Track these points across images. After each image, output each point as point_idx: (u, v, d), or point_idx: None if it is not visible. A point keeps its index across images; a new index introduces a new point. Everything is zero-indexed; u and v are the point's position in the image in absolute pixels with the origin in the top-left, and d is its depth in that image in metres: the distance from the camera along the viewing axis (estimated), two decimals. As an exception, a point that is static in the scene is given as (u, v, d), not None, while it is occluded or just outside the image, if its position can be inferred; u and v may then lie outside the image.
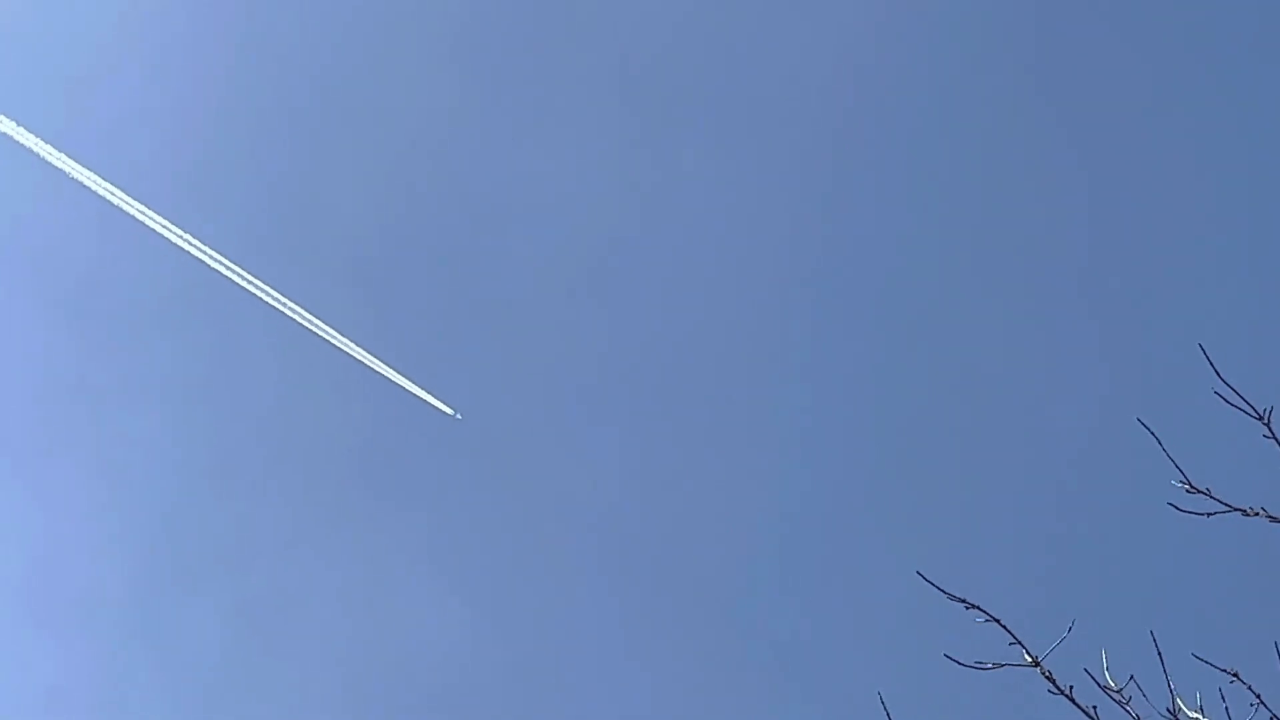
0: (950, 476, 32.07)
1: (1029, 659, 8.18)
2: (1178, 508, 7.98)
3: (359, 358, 37.65)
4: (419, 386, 36.89)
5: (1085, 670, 7.93)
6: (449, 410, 36.41)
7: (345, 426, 38.23)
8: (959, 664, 8.32)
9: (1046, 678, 8.12)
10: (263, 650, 33.67)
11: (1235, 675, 7.96)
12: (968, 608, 8.21)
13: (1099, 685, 8.10)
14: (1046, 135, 33.86)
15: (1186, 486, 8.06)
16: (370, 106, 36.92)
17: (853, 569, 32.39)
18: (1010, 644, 8.21)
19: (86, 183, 36.73)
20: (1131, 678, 8.37)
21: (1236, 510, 8.01)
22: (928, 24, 34.95)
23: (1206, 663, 8.01)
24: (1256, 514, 8.00)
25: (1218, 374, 7.82)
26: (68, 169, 36.32)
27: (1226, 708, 7.71)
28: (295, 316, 37.69)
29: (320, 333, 37.91)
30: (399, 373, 37.70)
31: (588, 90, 35.22)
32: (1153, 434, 8.21)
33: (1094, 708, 8.00)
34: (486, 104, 35.65)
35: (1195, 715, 8.00)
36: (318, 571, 34.72)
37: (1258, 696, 7.86)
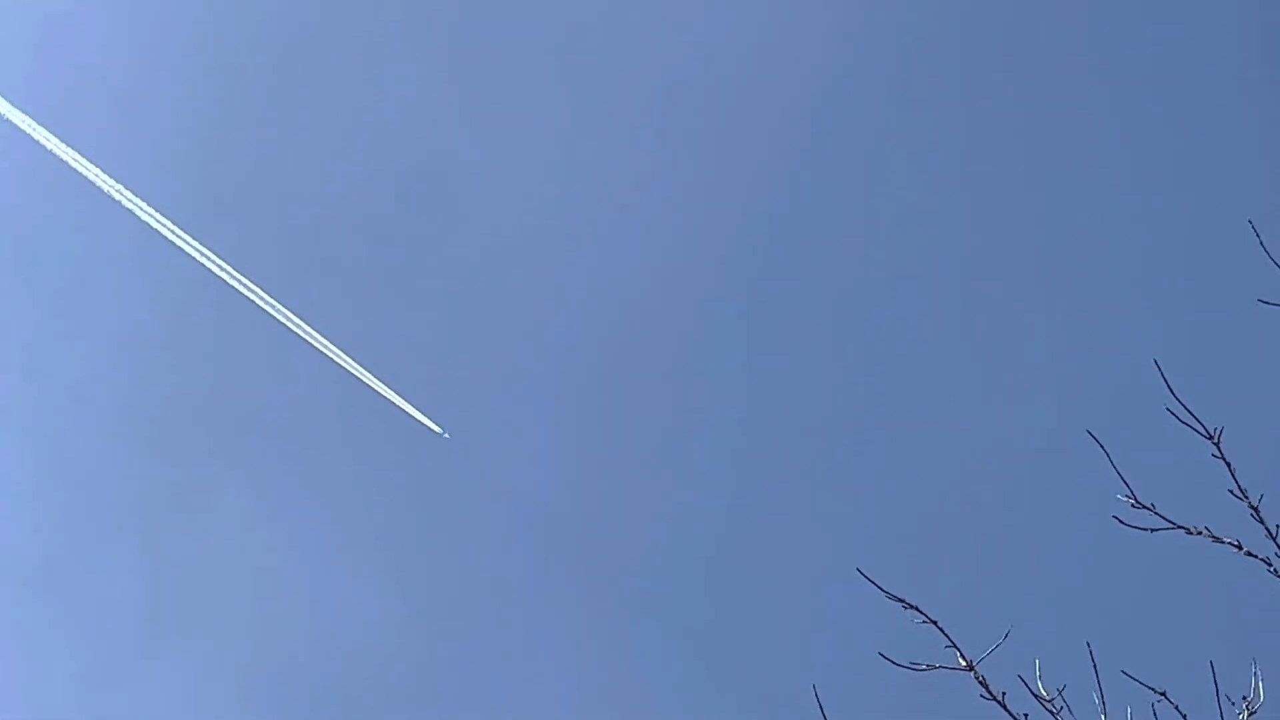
0: (896, 477, 32.15)
1: (963, 663, 8.17)
2: (1121, 521, 7.97)
3: (307, 338, 37.38)
4: (395, 393, 36.55)
5: (1019, 677, 7.92)
6: (436, 428, 36.08)
7: (282, 398, 37.95)
8: (893, 663, 8.30)
9: (980, 682, 8.11)
10: (177, 616, 33.34)
11: (1163, 695, 7.97)
12: (905, 607, 8.19)
13: (1032, 693, 8.10)
14: (1000, 147, 33.91)
15: (1132, 501, 8.05)
16: (361, 108, 36.66)
17: (792, 564, 32.41)
18: (946, 647, 8.20)
19: (41, 141, 36.48)
20: (1064, 688, 8.38)
21: (1180, 528, 8.00)
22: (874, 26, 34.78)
23: (1135, 680, 8.01)
24: (1199, 533, 8.00)
25: (1170, 391, 7.81)
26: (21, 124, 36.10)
27: (1163, 693, 7.70)
28: (227, 277, 37.33)
29: (259, 301, 37.58)
30: (368, 371, 37.46)
31: (590, 106, 35.00)
32: (1101, 447, 8.20)
33: (1025, 716, 7.99)
34: (486, 115, 35.42)
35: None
36: (239, 540, 34.44)
37: (1184, 716, 7.87)
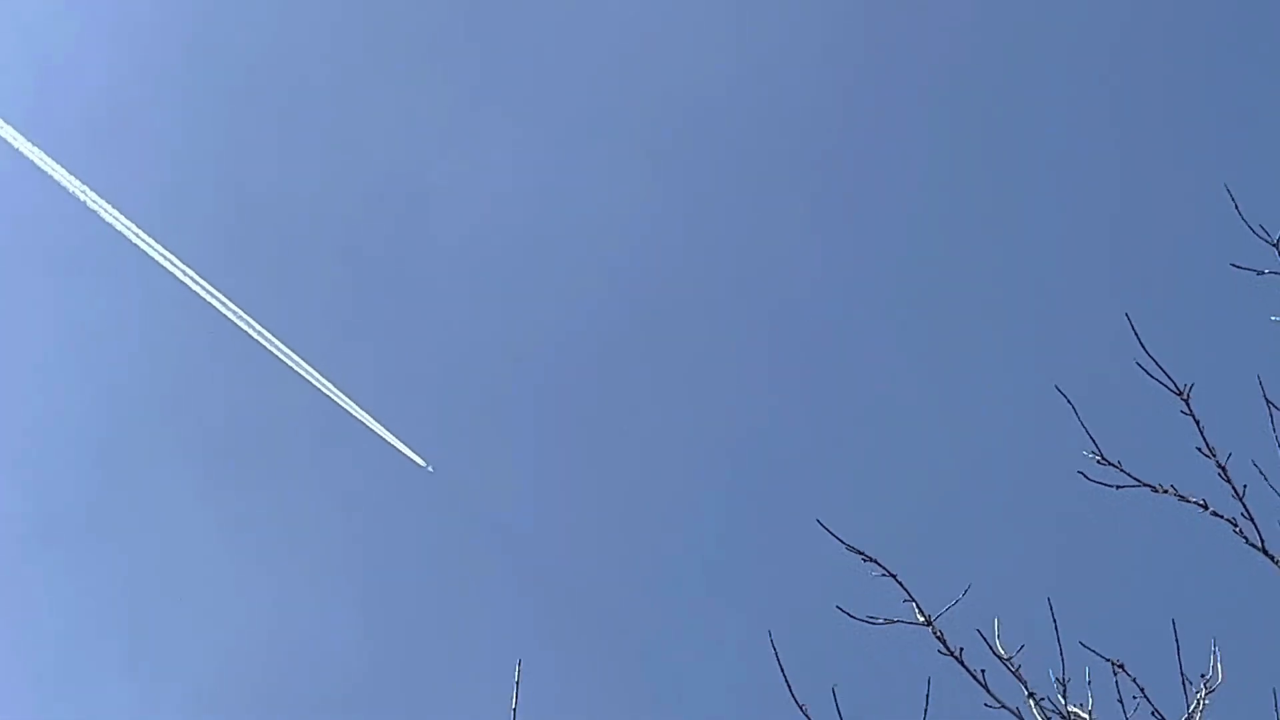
0: (858, 431, 31.94)
1: (921, 618, 8.03)
2: (1087, 477, 7.82)
3: (272, 350, 36.94)
4: (382, 426, 36.15)
5: (978, 632, 7.77)
6: (421, 462, 35.68)
7: (247, 411, 37.48)
8: (850, 616, 8.15)
9: (938, 638, 7.96)
10: (130, 627, 32.90)
11: (1120, 667, 7.84)
12: (864, 560, 8.04)
13: (990, 649, 7.96)
14: (969, 95, 33.67)
15: (1098, 458, 7.90)
16: (353, 131, 36.19)
17: (752, 514, 32.28)
18: (904, 601, 8.06)
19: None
20: (1022, 648, 8.24)
21: (1146, 486, 7.86)
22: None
23: (1092, 650, 7.88)
24: (1165, 491, 7.85)
25: (1141, 344, 7.65)
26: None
27: (1117, 681, 7.57)
28: (191, 283, 36.84)
29: (219, 307, 37.12)
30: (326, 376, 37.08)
31: (581, 131, 34.59)
32: (1069, 401, 8.04)
33: (983, 671, 7.85)
34: (481, 141, 34.99)
35: (1077, 708, 7.87)
36: (197, 553, 34.01)
37: (1141, 690, 7.72)
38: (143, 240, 36.79)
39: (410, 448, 35.32)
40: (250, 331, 36.86)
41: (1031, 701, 7.96)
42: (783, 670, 6.79)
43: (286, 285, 37.78)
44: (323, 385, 36.70)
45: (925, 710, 7.22)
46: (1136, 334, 7.68)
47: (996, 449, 29.95)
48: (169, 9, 37.69)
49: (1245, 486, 7.66)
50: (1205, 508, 7.73)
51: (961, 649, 7.90)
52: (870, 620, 8.22)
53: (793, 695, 6.84)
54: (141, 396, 36.83)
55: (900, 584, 8.02)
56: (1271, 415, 7.99)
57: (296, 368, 37.01)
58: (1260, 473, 7.84)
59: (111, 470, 36.41)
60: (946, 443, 30.72)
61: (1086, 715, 7.82)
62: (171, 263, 36.83)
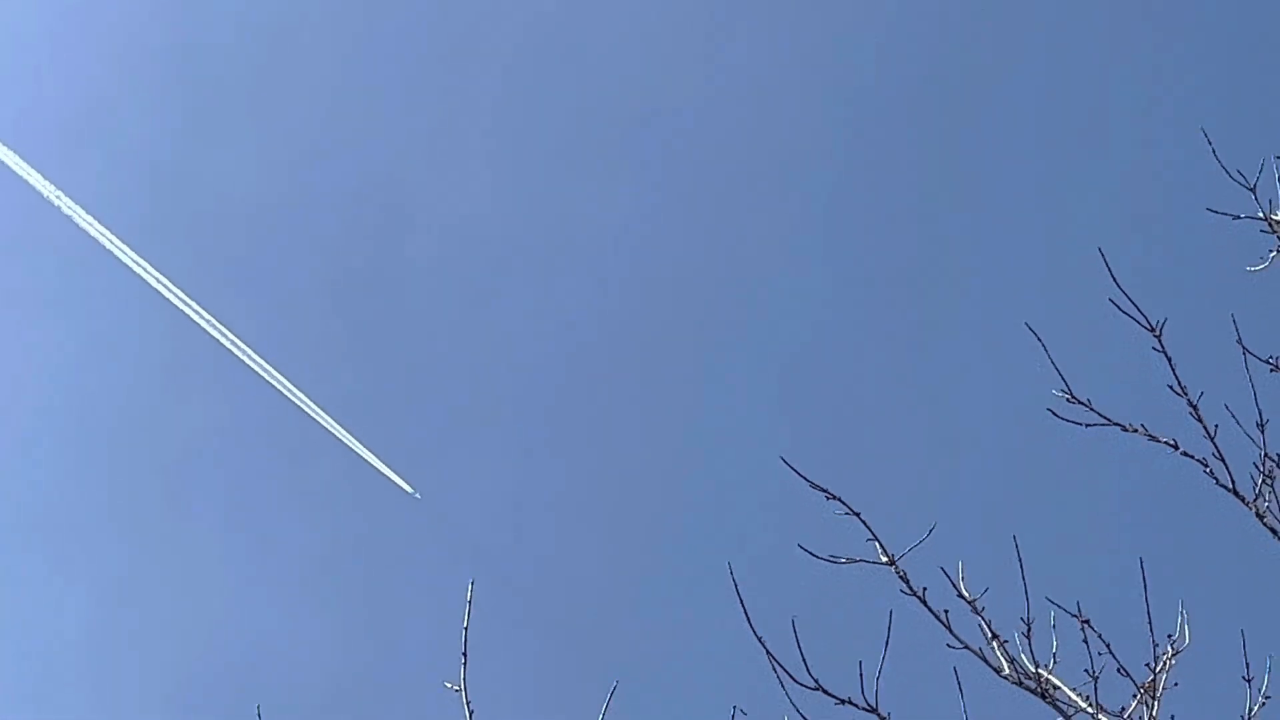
0: (825, 367, 31.63)
1: (885, 558, 7.88)
2: (1055, 414, 7.66)
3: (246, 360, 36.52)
4: (369, 451, 35.74)
5: (942, 569, 7.62)
6: (408, 488, 35.22)
7: (218, 424, 37.05)
8: (812, 555, 8.00)
9: (901, 578, 7.81)
10: (104, 637, 32.52)
11: (1086, 623, 7.70)
12: (828, 498, 7.88)
13: (955, 589, 7.80)
14: (955, 38, 33.33)
15: (1067, 396, 7.74)
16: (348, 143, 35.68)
17: (717, 450, 32.08)
18: (867, 540, 7.91)
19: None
20: (986, 590, 8.10)
21: (1115, 425, 7.70)
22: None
23: (1057, 605, 7.74)
24: (1135, 431, 7.70)
25: (1114, 279, 7.48)
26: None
27: (1084, 624, 7.42)
28: (165, 290, 36.36)
29: (201, 322, 36.68)
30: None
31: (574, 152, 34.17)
32: (1038, 339, 7.88)
33: (946, 612, 7.70)
34: (474, 155, 34.56)
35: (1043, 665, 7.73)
36: (170, 565, 33.63)
37: (1107, 646, 7.58)
38: (118, 247, 36.41)
39: (392, 468, 35.01)
40: (226, 343, 36.52)
41: (995, 644, 7.82)
42: (742, 603, 6.63)
43: (264, 296, 37.41)
44: (296, 396, 36.35)
45: (885, 649, 7.07)
46: (1109, 268, 7.51)
47: (964, 386, 29.67)
48: (146, 12, 37.28)
49: (1217, 427, 7.51)
50: (1176, 448, 7.59)
51: (925, 589, 7.75)
52: (832, 559, 8.07)
53: (751, 627, 6.68)
54: (115, 406, 36.44)
55: (863, 522, 7.86)
56: (1245, 360, 7.86)
57: (272, 380, 36.71)
58: (1232, 415, 7.70)
59: (86, 479, 36.09)
60: (913, 380, 30.42)
61: (1051, 661, 7.68)
62: (145, 269, 36.44)
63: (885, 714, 6.95)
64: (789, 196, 33.09)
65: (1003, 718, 7.92)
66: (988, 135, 31.78)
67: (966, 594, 7.84)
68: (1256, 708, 7.11)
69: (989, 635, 7.85)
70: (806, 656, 7.03)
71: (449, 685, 5.39)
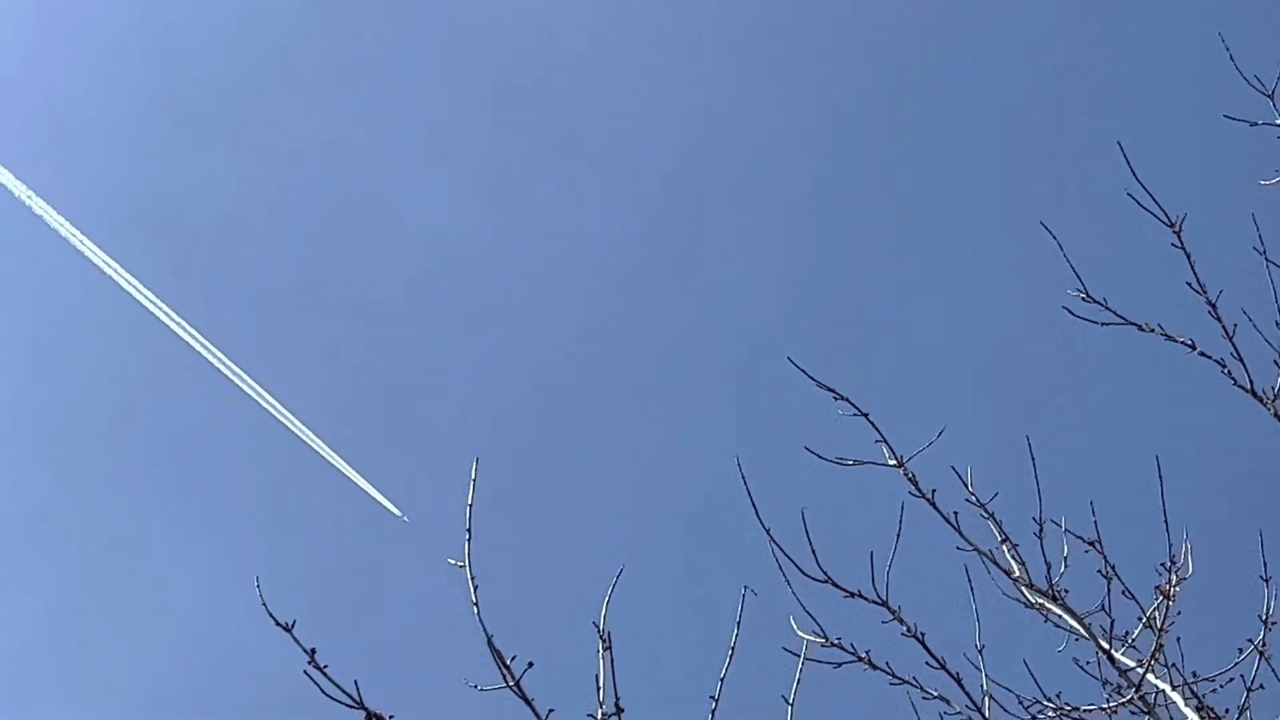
0: (834, 263, 31.06)
1: (893, 460, 7.73)
2: (1071, 313, 7.50)
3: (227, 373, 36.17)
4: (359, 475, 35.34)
5: (953, 469, 7.48)
6: (396, 512, 34.80)
7: (198, 429, 36.67)
8: (819, 457, 7.85)
9: (909, 480, 7.66)
10: (75, 641, 32.19)
11: (1092, 544, 7.56)
12: (836, 399, 7.72)
13: (966, 490, 7.66)
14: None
15: (1083, 295, 7.57)
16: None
17: (719, 351, 31.73)
18: (876, 441, 7.76)
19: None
20: (995, 495, 7.96)
21: (1132, 324, 7.54)
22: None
23: (1061, 527, 7.59)
24: (1152, 330, 7.54)
25: (1133, 173, 7.30)
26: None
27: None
28: (137, 294, 35.94)
29: (181, 333, 36.30)
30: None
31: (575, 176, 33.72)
32: (1054, 237, 7.71)
33: (955, 514, 7.56)
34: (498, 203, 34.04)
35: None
36: (142, 569, 33.26)
37: (1111, 568, 7.44)
38: (88, 248, 36.01)
39: (375, 486, 34.71)
40: (198, 346, 36.19)
41: (1006, 546, 7.68)
42: (749, 494, 6.48)
43: (242, 304, 37.02)
44: (278, 410, 36.03)
45: (895, 545, 6.93)
46: (1128, 162, 7.33)
47: (977, 285, 29.07)
48: (121, 13, 36.80)
49: (1235, 326, 7.35)
50: (1193, 348, 7.42)
51: (934, 491, 7.61)
52: (840, 461, 7.92)
53: (758, 518, 6.53)
54: (85, 408, 36.08)
55: (871, 423, 7.71)
56: (1265, 263, 7.71)
57: (246, 387, 36.39)
58: (1249, 319, 7.54)
59: (59, 481, 35.77)
60: (925, 280, 29.82)
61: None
62: (117, 272, 36.04)
63: (895, 607, 6.81)
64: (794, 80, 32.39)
65: (1014, 620, 7.79)
66: (1006, 33, 31.12)
67: (976, 497, 7.70)
68: (1274, 603, 6.97)
69: (999, 538, 7.71)
70: (815, 556, 6.89)
71: (453, 561, 5.22)
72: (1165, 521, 6.98)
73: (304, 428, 35.33)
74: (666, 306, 32.43)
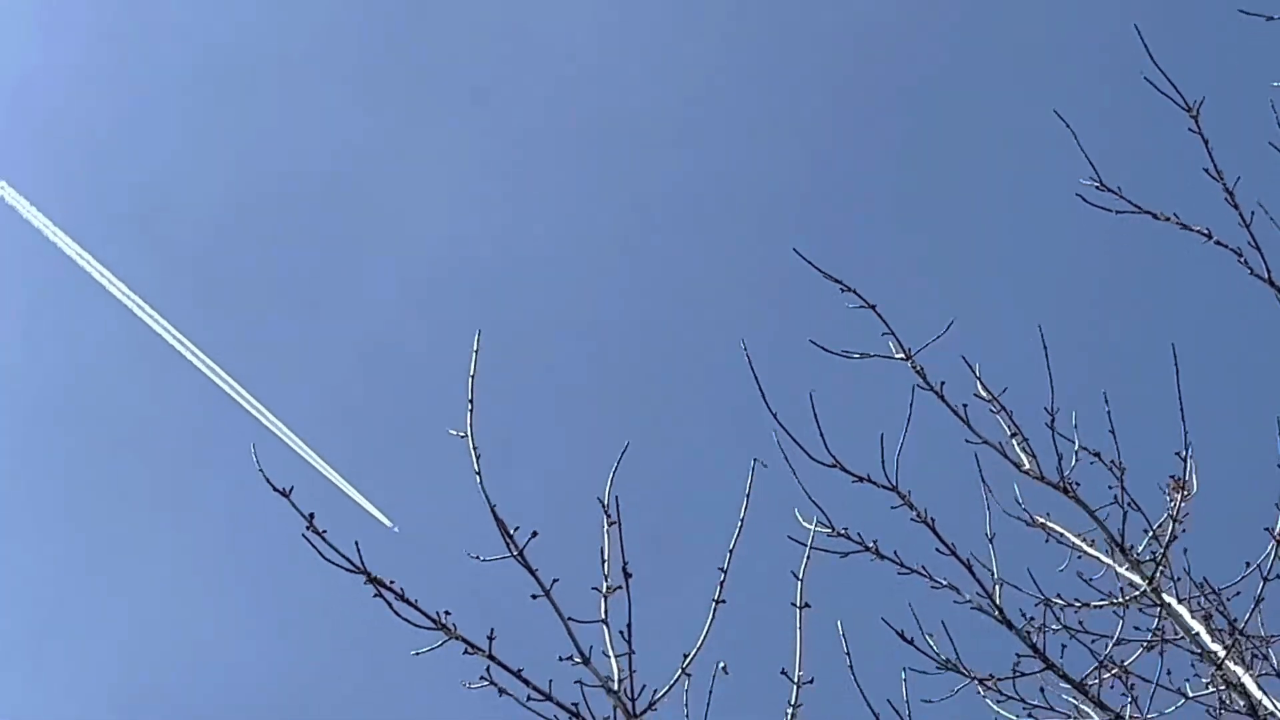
0: (843, 155, 30.62)
1: (900, 353, 7.57)
2: (1086, 200, 7.32)
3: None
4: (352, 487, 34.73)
5: (963, 358, 7.33)
6: (387, 522, 34.22)
7: (166, 419, 36.15)
8: (825, 350, 7.69)
9: (917, 372, 7.51)
10: (36, 631, 31.74)
11: (1096, 455, 7.42)
12: (843, 290, 7.56)
13: (977, 387, 7.51)
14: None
15: (1097, 184, 7.40)
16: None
17: (726, 241, 31.40)
18: (884, 334, 7.60)
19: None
20: (1005, 390, 7.81)
21: (1147, 213, 7.37)
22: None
23: (1065, 438, 7.43)
24: (1167, 219, 7.37)
25: (1150, 56, 7.11)
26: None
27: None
28: (109, 285, 35.43)
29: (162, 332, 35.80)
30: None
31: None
32: (1067, 125, 7.52)
33: (964, 406, 7.41)
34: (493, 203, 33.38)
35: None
36: (107, 563, 32.77)
37: (1119, 478, 7.28)
38: (64, 241, 35.55)
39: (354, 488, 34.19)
40: (173, 341, 35.73)
41: (1016, 440, 7.54)
42: (757, 380, 6.32)
43: (213, 297, 36.51)
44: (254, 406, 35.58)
45: (904, 433, 6.78)
46: (1146, 47, 7.14)
47: (989, 174, 28.59)
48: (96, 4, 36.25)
49: (1253, 214, 7.18)
50: (1209, 237, 7.25)
51: (943, 383, 7.46)
52: (846, 354, 7.77)
53: (765, 403, 6.38)
54: (52, 398, 35.66)
55: (879, 315, 7.55)
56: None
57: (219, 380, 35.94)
58: (1264, 210, 7.37)
59: (32, 471, 35.35)
60: (935, 169, 29.32)
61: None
62: (95, 267, 35.58)
63: (905, 491, 6.66)
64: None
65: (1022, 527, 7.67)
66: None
67: (986, 388, 7.56)
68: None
69: (1009, 431, 7.57)
70: (824, 441, 6.73)
71: (454, 431, 5.07)
72: (1181, 412, 6.82)
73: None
74: (666, 218, 32.14)
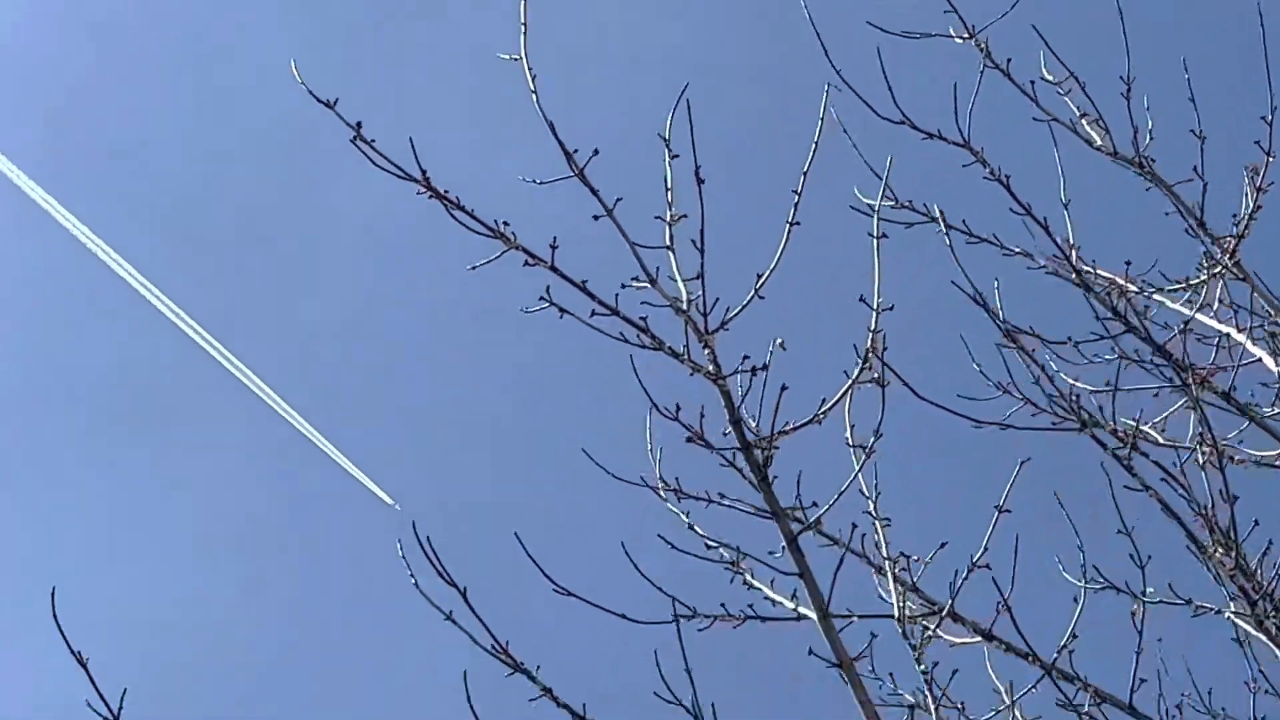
0: None
1: (965, 33, 7.17)
2: None
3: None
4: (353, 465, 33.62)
5: (1032, 27, 6.91)
6: (389, 500, 32.90)
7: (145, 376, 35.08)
8: (884, 31, 7.27)
9: (982, 51, 7.10)
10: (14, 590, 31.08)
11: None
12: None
13: (1041, 72, 7.10)
14: None
15: None
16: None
17: None
18: (946, 11, 7.18)
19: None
20: (1071, 75, 7.40)
21: None
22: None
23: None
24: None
25: None
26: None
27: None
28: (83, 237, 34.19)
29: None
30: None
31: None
32: None
33: (1032, 83, 7.03)
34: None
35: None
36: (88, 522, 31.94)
37: (1199, 148, 6.88)
38: (50, 204, 34.43)
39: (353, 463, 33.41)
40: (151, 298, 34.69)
41: (1085, 120, 7.16)
42: (821, 41, 5.94)
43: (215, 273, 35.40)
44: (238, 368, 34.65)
45: (973, 100, 6.40)
46: None
47: None
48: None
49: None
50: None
51: (1010, 60, 7.06)
52: (908, 34, 7.37)
53: (829, 59, 6.00)
54: (28, 354, 34.80)
55: (941, -11, 7.13)
56: None
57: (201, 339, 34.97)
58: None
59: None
60: None
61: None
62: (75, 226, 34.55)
63: (978, 148, 6.31)
64: None
65: (1097, 188, 7.29)
66: None
67: (1058, 58, 7.15)
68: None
69: (1077, 113, 7.19)
70: (892, 95, 6.34)
71: (506, 56, 4.72)
72: (1267, 67, 6.43)
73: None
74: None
